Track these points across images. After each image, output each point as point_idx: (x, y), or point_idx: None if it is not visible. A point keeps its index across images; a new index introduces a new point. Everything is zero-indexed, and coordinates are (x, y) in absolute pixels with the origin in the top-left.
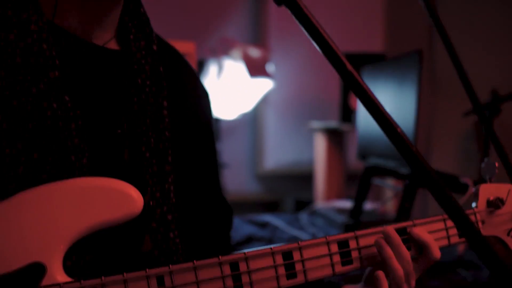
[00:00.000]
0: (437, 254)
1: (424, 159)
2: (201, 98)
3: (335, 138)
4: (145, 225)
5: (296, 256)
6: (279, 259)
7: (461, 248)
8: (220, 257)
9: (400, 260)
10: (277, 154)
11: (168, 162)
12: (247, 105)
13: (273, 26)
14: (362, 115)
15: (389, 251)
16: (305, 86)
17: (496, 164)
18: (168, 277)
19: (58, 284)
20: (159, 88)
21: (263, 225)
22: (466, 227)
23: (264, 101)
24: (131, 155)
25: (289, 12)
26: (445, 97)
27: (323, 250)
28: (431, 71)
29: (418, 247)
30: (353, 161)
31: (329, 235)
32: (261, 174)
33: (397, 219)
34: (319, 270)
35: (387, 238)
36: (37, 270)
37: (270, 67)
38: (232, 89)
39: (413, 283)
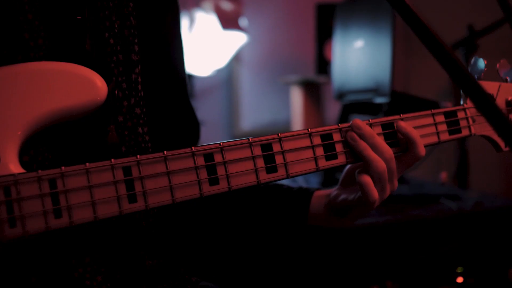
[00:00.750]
0: (421, 151)
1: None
2: None
3: (312, 91)
4: (110, 116)
5: (276, 148)
6: (258, 151)
7: (443, 177)
8: (193, 147)
9: (378, 152)
10: (254, 114)
11: (135, 51)
12: (221, 60)
13: None
14: (338, 56)
15: (362, 142)
16: (279, 42)
17: (485, 61)
18: (136, 168)
19: (12, 174)
20: None
21: None
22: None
23: (239, 60)
24: (93, 43)
25: None
26: (418, 56)
27: (305, 142)
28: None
29: (404, 143)
30: (332, 114)
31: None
32: (237, 135)
33: None
34: (302, 164)
35: (358, 131)
36: None
37: (243, 21)
38: (204, 42)
39: (395, 182)
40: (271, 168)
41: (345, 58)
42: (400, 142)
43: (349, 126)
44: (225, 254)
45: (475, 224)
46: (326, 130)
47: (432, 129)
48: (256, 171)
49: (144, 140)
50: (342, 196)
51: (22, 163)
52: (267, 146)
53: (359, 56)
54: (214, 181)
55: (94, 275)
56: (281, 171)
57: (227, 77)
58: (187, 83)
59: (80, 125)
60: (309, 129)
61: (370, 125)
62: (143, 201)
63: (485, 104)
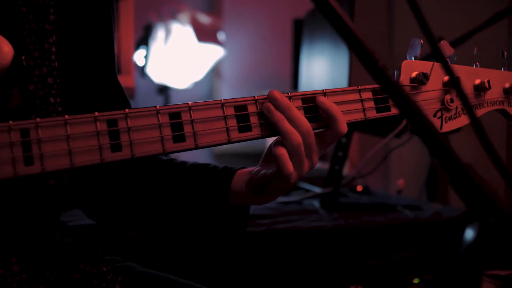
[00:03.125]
0: (344, 127)
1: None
2: None
3: None
4: (15, 81)
5: (185, 116)
6: (165, 119)
7: (400, 183)
8: (96, 113)
9: (294, 125)
10: None
11: (49, 21)
12: (198, 73)
13: None
14: (304, 68)
15: (278, 114)
16: (259, 57)
17: (421, 41)
18: (34, 131)
19: None
20: None
21: None
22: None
23: (218, 74)
24: (7, 13)
25: None
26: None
27: (217, 112)
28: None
29: (325, 119)
30: None
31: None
32: (217, 152)
33: (334, 154)
34: (212, 135)
35: (274, 102)
36: None
37: (220, 35)
38: (180, 54)
39: (315, 158)
40: (178, 137)
41: (310, 70)
42: (321, 118)
43: (265, 98)
44: (145, 234)
45: (429, 233)
46: (241, 101)
47: (358, 105)
48: (162, 139)
49: (55, 110)
50: (262, 172)
51: None
52: (176, 114)
53: (322, 68)
54: (116, 147)
55: None
56: (190, 141)
57: (208, 92)
58: (113, 60)
59: None
60: (222, 100)
61: (290, 98)
62: (40, 164)
63: (383, 81)
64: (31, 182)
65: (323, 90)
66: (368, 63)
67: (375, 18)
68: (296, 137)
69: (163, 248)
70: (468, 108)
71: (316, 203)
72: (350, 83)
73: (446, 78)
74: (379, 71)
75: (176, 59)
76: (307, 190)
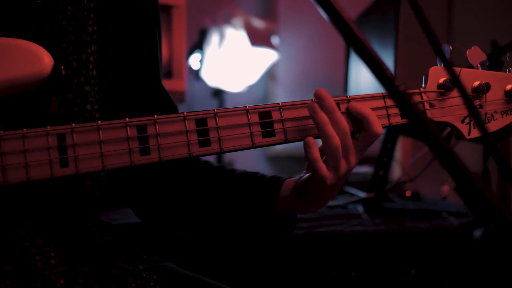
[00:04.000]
0: (378, 128)
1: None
2: None
3: None
4: (54, 89)
5: (211, 123)
6: (192, 125)
7: (445, 190)
8: (127, 119)
9: (336, 128)
10: None
11: (88, 32)
12: (252, 77)
13: (283, 2)
14: (353, 71)
15: (323, 115)
16: (314, 61)
17: (450, 47)
18: (70, 136)
19: None
20: None
21: None
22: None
23: (273, 77)
24: (52, 26)
25: None
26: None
27: (242, 119)
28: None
29: (357, 123)
30: None
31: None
32: (272, 155)
33: (378, 159)
34: (236, 140)
35: (321, 102)
36: None
37: (274, 39)
38: (234, 58)
39: (352, 160)
40: (203, 141)
41: (358, 72)
42: (352, 123)
43: (291, 105)
44: (191, 234)
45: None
46: (265, 108)
47: (382, 112)
48: (188, 144)
49: (93, 116)
50: (304, 177)
51: None
52: (202, 121)
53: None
54: (145, 151)
55: (34, 239)
56: (215, 146)
57: (263, 95)
58: (157, 67)
59: (28, 98)
60: (247, 106)
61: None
62: (74, 166)
63: (391, 88)
64: (69, 183)
65: (347, 96)
66: (377, 72)
67: (433, 19)
68: (336, 141)
69: (203, 250)
70: (469, 105)
71: (360, 208)
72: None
73: (475, 84)
74: (387, 80)
75: (230, 63)
76: (352, 195)
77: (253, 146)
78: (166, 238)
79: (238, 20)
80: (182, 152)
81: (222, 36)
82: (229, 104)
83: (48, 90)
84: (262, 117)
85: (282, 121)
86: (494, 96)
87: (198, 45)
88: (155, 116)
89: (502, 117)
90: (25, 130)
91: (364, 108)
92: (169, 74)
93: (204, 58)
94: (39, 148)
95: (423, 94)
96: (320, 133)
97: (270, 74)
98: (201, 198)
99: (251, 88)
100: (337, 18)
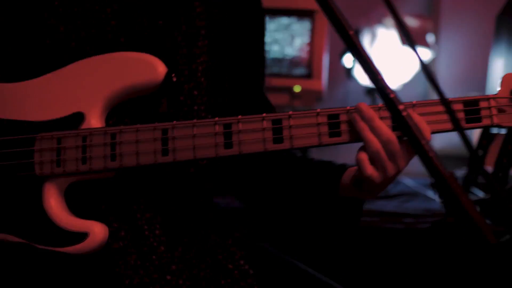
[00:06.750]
0: (426, 135)
1: None
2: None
3: None
4: (165, 93)
5: (285, 123)
6: (268, 124)
7: None
8: (217, 118)
9: (376, 134)
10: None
11: (197, 46)
12: (404, 76)
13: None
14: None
15: (361, 123)
16: (475, 59)
17: None
18: (171, 130)
19: (88, 129)
20: None
21: None
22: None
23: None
24: (170, 42)
25: None
26: None
27: (312, 120)
28: None
29: None
30: None
31: None
32: None
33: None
34: (306, 138)
35: (360, 113)
36: (78, 117)
37: (430, 38)
38: (385, 57)
39: (401, 162)
40: (277, 139)
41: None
42: None
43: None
44: (276, 218)
45: None
46: (334, 111)
47: (443, 117)
48: (264, 140)
49: (199, 116)
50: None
51: (109, 125)
52: (277, 121)
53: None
54: (228, 145)
55: (144, 213)
56: (286, 143)
57: (423, 92)
58: (258, 75)
59: (147, 100)
60: (318, 109)
61: (379, 108)
62: (172, 155)
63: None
64: (175, 169)
65: (411, 102)
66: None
67: None
68: (375, 144)
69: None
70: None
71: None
72: None
73: None
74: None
75: (381, 62)
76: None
77: (320, 145)
78: (262, 222)
79: (390, 20)
80: (259, 147)
81: (373, 36)
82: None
83: (160, 93)
84: (330, 118)
85: (348, 122)
86: None
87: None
88: (239, 116)
89: None
90: (138, 125)
91: (413, 116)
92: (309, 75)
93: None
94: (146, 140)
95: (491, 100)
96: (361, 138)
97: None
98: (284, 186)
99: (409, 86)
100: (339, 28)
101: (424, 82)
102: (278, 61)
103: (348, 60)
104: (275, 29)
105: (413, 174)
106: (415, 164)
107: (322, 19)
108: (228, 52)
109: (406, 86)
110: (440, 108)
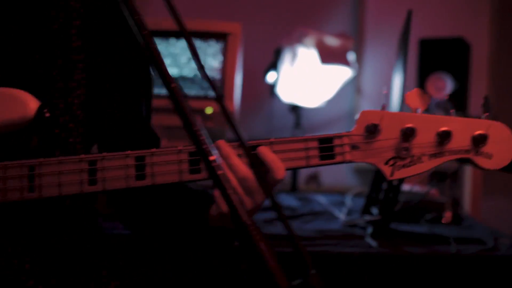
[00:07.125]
0: (277, 174)
1: None
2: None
3: None
4: (36, 128)
5: (148, 160)
6: (131, 161)
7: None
8: (82, 155)
9: (232, 170)
10: None
11: (73, 80)
12: (327, 93)
13: (370, 18)
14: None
15: (221, 161)
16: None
17: (385, 92)
18: (38, 167)
19: None
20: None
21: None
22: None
23: (360, 93)
24: (45, 78)
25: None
26: None
27: (173, 157)
28: None
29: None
30: None
31: None
32: (359, 167)
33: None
34: (167, 175)
35: (218, 151)
36: None
37: (350, 56)
38: (305, 76)
39: (258, 198)
40: (140, 176)
41: None
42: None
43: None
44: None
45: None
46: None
47: (301, 154)
48: (126, 177)
49: (74, 148)
50: None
51: None
52: (140, 158)
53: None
54: (92, 182)
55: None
56: (148, 180)
57: (348, 109)
58: (141, 105)
59: (18, 135)
60: (178, 147)
61: (239, 145)
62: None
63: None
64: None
65: (271, 139)
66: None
67: None
68: (232, 182)
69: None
70: None
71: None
72: None
73: (404, 126)
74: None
75: (302, 80)
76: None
77: (180, 181)
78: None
79: (310, 39)
80: (121, 184)
81: (294, 55)
82: (306, 119)
83: (32, 128)
84: (191, 156)
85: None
86: (423, 139)
87: (273, 64)
88: (104, 153)
89: (429, 160)
90: (6, 162)
91: (268, 155)
92: (224, 96)
93: (278, 76)
94: (14, 177)
95: (344, 137)
96: None
97: (356, 88)
98: (162, 216)
99: (334, 103)
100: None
101: (350, 99)
102: (190, 82)
103: (271, 78)
104: (186, 50)
105: (327, 191)
106: (329, 180)
107: (235, 41)
108: (107, 83)
109: (330, 102)
110: (299, 145)
